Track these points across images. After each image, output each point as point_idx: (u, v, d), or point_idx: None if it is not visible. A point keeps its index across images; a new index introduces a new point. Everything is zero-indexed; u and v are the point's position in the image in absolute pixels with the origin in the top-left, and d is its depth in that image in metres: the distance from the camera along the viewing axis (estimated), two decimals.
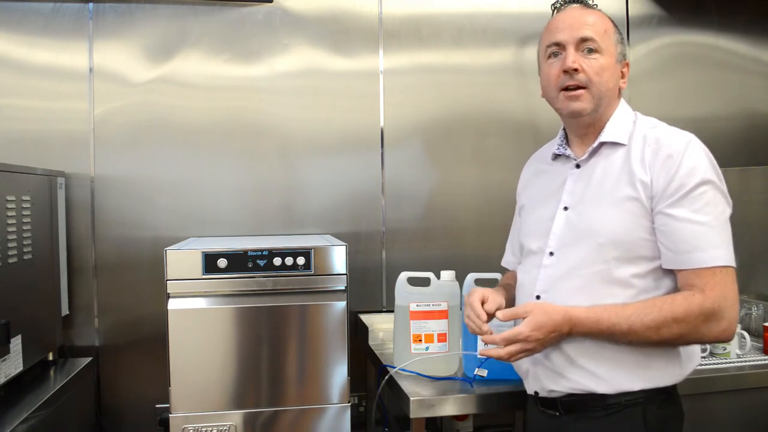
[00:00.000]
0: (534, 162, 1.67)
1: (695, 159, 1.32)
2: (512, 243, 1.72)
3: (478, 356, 1.44)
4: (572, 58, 1.39)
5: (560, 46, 1.42)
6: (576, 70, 1.38)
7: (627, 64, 1.47)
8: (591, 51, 1.40)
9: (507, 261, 1.74)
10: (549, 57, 1.45)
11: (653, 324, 1.28)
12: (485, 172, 2.62)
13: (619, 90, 1.47)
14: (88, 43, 2.38)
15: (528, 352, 1.35)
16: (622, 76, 1.46)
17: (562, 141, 1.53)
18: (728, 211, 1.34)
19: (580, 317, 1.32)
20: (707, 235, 1.29)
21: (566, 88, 1.41)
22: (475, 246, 2.59)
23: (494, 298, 1.46)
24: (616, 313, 1.30)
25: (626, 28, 2.73)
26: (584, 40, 1.40)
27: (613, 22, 1.47)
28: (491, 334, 1.39)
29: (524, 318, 1.33)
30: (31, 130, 2.34)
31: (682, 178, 1.31)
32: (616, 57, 1.43)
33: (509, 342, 1.33)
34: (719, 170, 1.35)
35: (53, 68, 2.36)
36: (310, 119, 2.51)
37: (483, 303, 1.45)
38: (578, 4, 1.49)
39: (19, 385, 1.95)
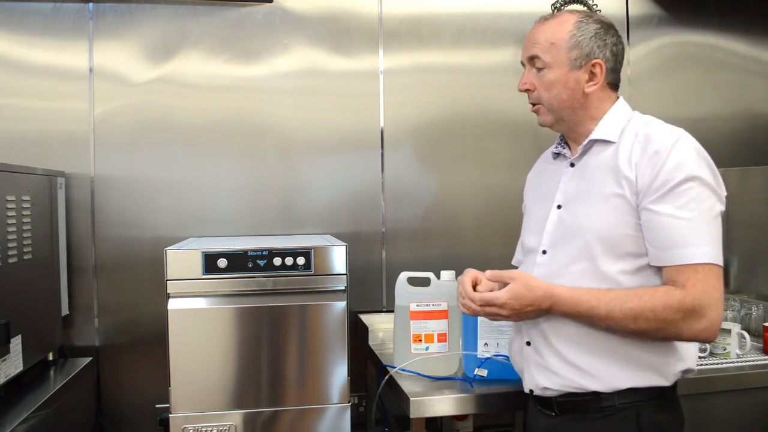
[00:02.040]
0: (539, 162, 1.69)
1: (682, 155, 1.31)
2: (520, 242, 1.73)
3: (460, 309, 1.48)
4: (523, 79, 1.47)
5: (523, 65, 1.50)
6: (528, 89, 1.47)
7: (596, 63, 1.41)
8: (540, 68, 1.44)
9: (517, 260, 1.75)
10: None
11: (631, 312, 1.28)
12: (485, 172, 2.62)
13: (584, 93, 1.42)
14: (88, 43, 2.38)
15: (503, 318, 1.40)
16: (591, 77, 1.42)
17: (560, 140, 1.55)
18: (718, 207, 1.32)
19: (562, 296, 1.34)
20: (690, 232, 1.28)
21: (532, 104, 1.49)
22: (475, 246, 2.59)
23: (487, 283, 1.46)
24: (597, 297, 1.31)
25: (626, 28, 2.73)
26: (531, 59, 1.45)
27: (576, 23, 1.41)
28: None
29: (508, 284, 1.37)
30: (31, 130, 2.34)
31: (667, 174, 1.30)
32: (570, 65, 1.40)
33: (486, 304, 1.38)
34: (714, 167, 1.34)
35: (53, 68, 2.36)
36: (310, 119, 2.51)
37: (475, 285, 1.46)
38: (554, 13, 1.49)
39: (19, 385, 1.95)
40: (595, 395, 1.37)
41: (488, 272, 1.43)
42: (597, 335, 1.35)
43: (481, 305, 1.38)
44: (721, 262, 1.29)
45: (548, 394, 1.42)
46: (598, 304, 1.30)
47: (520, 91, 1.48)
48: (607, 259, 1.35)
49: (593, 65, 1.42)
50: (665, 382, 1.37)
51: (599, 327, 1.33)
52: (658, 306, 1.27)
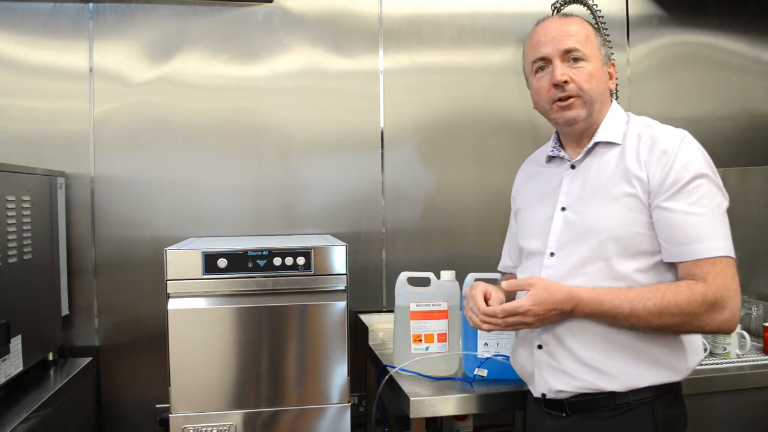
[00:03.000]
0: (527, 165, 1.68)
1: (690, 154, 1.35)
2: (509, 247, 1.72)
3: (471, 326, 1.46)
4: (560, 71, 1.41)
5: (546, 60, 1.44)
6: (566, 82, 1.41)
7: (613, 64, 1.50)
8: (577, 60, 1.42)
9: (504, 265, 1.74)
10: (536, 72, 1.47)
11: (655, 309, 1.29)
12: (485, 173, 2.62)
13: (610, 91, 1.49)
14: (88, 43, 2.38)
15: (526, 326, 1.38)
16: (610, 77, 1.48)
17: (555, 143, 1.55)
18: (725, 203, 1.36)
19: (583, 297, 1.34)
20: (705, 227, 1.31)
21: (559, 99, 1.43)
22: (475, 246, 2.59)
23: (497, 295, 1.46)
24: (619, 296, 1.32)
25: (626, 28, 2.73)
26: (568, 51, 1.42)
27: (593, 25, 1.49)
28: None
29: (527, 291, 1.36)
30: (31, 130, 2.34)
31: (677, 173, 1.33)
32: (602, 60, 1.45)
33: (508, 314, 1.36)
34: (713, 165, 1.38)
35: (53, 68, 2.36)
36: (310, 119, 2.51)
37: (486, 298, 1.44)
38: (557, 13, 1.50)
39: (19, 385, 1.95)
40: (610, 394, 1.37)
41: (504, 284, 1.42)
42: (612, 335, 1.36)
43: (503, 317, 1.36)
44: (734, 255, 1.32)
45: (562, 396, 1.42)
46: (621, 303, 1.31)
47: (557, 84, 1.41)
48: (622, 258, 1.36)
49: (611, 65, 1.49)
50: (677, 377, 1.38)
51: (622, 325, 1.34)
52: (682, 301, 1.28)
